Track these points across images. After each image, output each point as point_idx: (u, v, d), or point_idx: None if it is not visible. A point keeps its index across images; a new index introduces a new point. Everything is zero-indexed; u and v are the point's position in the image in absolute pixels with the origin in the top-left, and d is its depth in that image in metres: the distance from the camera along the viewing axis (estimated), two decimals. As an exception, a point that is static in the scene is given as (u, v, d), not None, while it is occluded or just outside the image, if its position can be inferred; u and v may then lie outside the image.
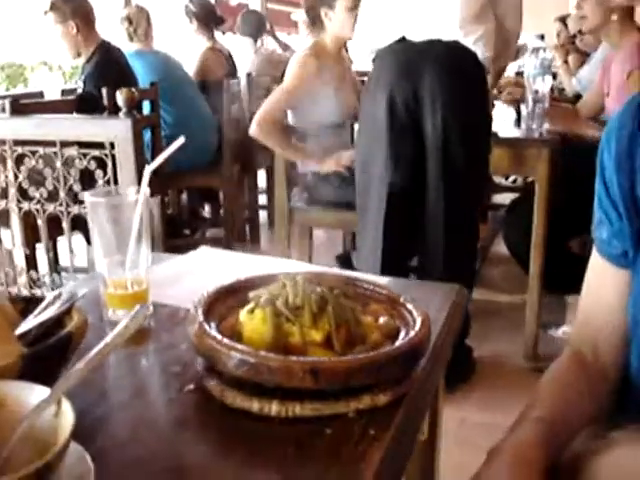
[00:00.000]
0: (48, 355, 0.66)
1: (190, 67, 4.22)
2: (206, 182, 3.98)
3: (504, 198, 4.95)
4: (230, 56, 4.54)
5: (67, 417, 0.52)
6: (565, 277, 2.95)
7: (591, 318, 0.98)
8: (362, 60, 2.67)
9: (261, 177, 4.70)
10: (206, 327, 0.72)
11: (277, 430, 0.67)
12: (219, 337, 0.70)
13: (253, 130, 2.89)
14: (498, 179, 5.12)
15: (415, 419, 0.72)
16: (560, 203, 2.71)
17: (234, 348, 0.68)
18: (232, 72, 4.43)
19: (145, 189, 0.91)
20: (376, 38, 2.32)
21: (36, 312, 0.74)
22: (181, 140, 0.92)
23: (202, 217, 4.66)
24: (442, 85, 2.16)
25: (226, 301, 0.81)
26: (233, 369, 0.68)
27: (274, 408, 0.68)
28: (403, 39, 2.24)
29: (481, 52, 2.19)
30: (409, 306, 0.80)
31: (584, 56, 4.78)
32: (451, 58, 2.19)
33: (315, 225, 3.28)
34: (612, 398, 0.95)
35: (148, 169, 0.91)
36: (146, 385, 0.76)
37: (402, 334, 0.77)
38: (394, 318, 0.80)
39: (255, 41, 4.96)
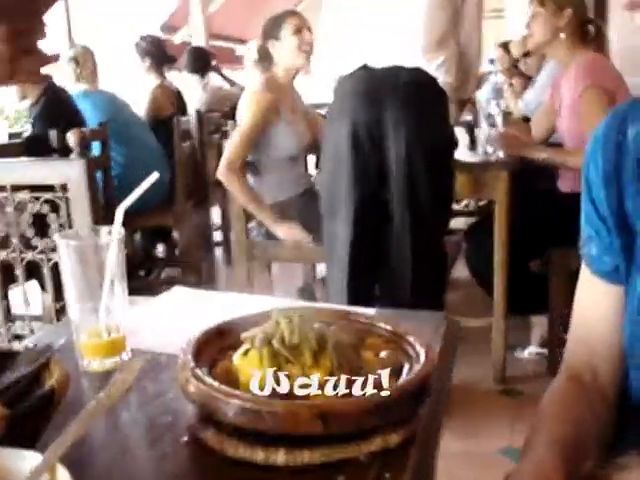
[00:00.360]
0: (31, 414, 0.60)
1: (139, 106, 4.16)
2: (160, 221, 3.90)
3: (458, 223, 4.98)
4: (179, 94, 4.50)
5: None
6: (528, 298, 2.96)
7: (586, 338, 0.95)
8: (320, 91, 2.66)
9: (215, 214, 4.64)
10: (199, 374, 0.67)
11: (286, 480, 0.62)
12: (215, 384, 0.65)
13: (220, 174, 2.86)
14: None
15: (428, 458, 0.68)
16: (517, 224, 2.72)
17: (233, 395, 0.63)
18: (182, 109, 4.39)
19: (119, 229, 0.85)
20: (337, 67, 2.31)
21: (12, 368, 0.68)
22: (155, 176, 0.87)
23: (156, 257, 4.57)
24: (405, 113, 2.15)
25: (216, 344, 0.76)
26: (233, 418, 0.63)
27: (281, 458, 0.63)
28: (364, 67, 2.22)
29: (443, 78, 2.19)
30: (410, 338, 0.76)
31: (527, 80, 4.87)
32: (413, 85, 2.18)
33: (275, 259, 3.23)
34: (613, 418, 0.92)
35: (121, 207, 0.86)
36: (136, 440, 0.70)
37: (406, 369, 0.73)
38: (395, 352, 0.76)
39: (202, 77, 4.93)
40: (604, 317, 0.93)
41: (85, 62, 3.70)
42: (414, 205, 2.22)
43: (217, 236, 4.70)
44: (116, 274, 0.85)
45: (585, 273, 0.96)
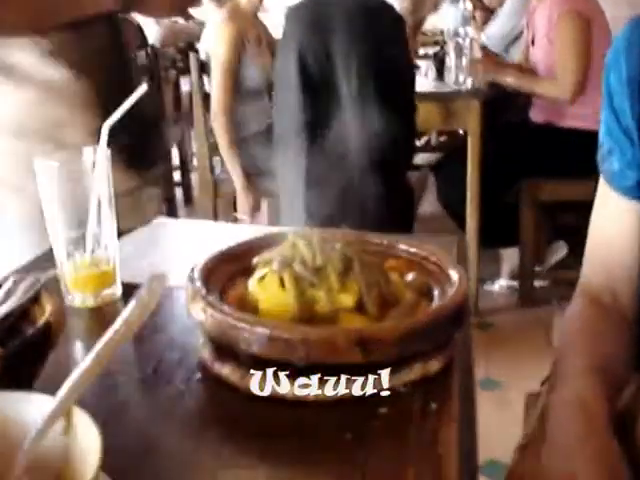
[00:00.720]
0: (26, 353, 0.52)
1: None
2: (118, 161, 3.75)
3: (420, 159, 4.93)
4: (139, 27, 4.29)
5: (86, 434, 0.39)
6: (499, 231, 2.93)
7: (604, 258, 0.90)
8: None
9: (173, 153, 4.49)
10: (215, 302, 0.60)
11: (322, 416, 0.55)
12: (236, 312, 0.58)
13: (214, 119, 2.76)
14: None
15: (471, 385, 0.62)
16: (488, 156, 2.67)
17: (259, 323, 0.56)
18: (143, 43, 4.19)
19: (105, 148, 0.76)
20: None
21: (-3, 302, 0.60)
22: (144, 88, 0.78)
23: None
24: (355, 41, 1.99)
25: (223, 271, 0.68)
26: (260, 349, 0.55)
27: (314, 390, 0.56)
28: None
29: (398, 2, 2.08)
30: (435, 259, 0.70)
31: (490, 13, 4.77)
32: (364, 11, 2.03)
33: (240, 196, 3.14)
34: (634, 339, 0.88)
35: (107, 124, 0.77)
36: (144, 381, 0.62)
37: (436, 291, 0.66)
38: (421, 274, 0.69)
39: (155, 11, 4.71)
40: (623, 236, 0.88)
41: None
42: (369, 139, 2.09)
43: (176, 176, 4.55)
44: (104, 197, 0.76)
45: (604, 190, 0.90)
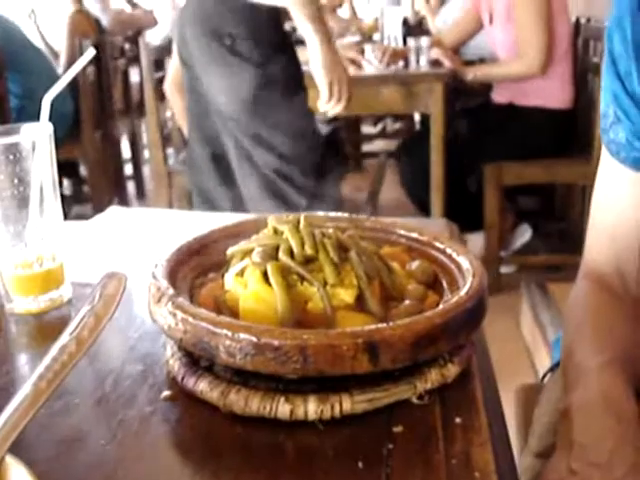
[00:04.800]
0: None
1: (57, 36, 3.79)
2: (65, 155, 3.57)
3: (377, 145, 4.88)
4: (96, 18, 4.12)
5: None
6: (464, 215, 2.86)
7: (612, 238, 0.82)
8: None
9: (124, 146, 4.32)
10: (186, 304, 0.49)
11: (324, 439, 0.45)
12: (213, 315, 0.47)
13: (166, 92, 2.66)
14: (367, 128, 5.05)
15: (496, 393, 0.52)
16: (451, 140, 2.59)
17: (244, 328, 0.45)
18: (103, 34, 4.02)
19: (47, 125, 0.65)
20: None
21: None
22: (91, 53, 0.67)
23: (62, 194, 4.22)
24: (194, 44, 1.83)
25: (192, 265, 0.58)
26: (244, 360, 0.45)
27: (312, 408, 0.46)
28: None
29: None
30: (440, 245, 0.60)
31: (442, -4, 4.71)
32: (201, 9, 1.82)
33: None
34: None
35: (49, 96, 0.65)
36: (100, 402, 0.51)
37: (444, 281, 0.56)
38: (425, 262, 0.59)
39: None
40: (633, 213, 0.80)
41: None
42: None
43: (127, 169, 4.38)
44: (47, 182, 0.65)
45: (607, 163, 0.82)
